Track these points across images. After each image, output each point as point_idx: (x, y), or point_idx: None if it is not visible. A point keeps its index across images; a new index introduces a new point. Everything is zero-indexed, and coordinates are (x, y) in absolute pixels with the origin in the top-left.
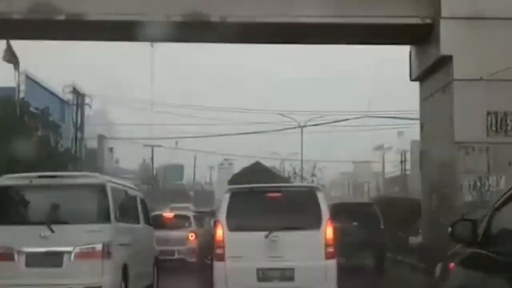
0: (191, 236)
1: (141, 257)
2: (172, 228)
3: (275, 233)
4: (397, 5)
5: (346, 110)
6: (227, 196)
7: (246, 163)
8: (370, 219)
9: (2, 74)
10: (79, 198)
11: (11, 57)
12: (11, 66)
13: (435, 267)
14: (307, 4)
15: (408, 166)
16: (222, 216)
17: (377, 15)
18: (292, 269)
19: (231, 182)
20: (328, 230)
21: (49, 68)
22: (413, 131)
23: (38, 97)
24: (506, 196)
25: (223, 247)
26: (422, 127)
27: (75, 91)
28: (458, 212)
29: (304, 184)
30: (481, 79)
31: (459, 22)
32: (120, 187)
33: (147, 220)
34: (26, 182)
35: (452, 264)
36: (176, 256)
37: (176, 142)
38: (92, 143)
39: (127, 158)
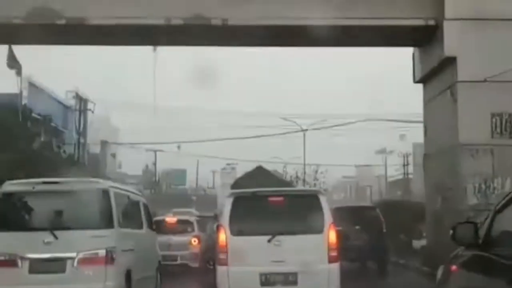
0: (194, 241)
1: (144, 262)
2: (174, 233)
3: (278, 238)
4: (400, 6)
5: (348, 113)
6: (229, 201)
7: (249, 167)
8: (373, 222)
9: (5, 80)
10: (82, 203)
11: (14, 63)
12: (14, 72)
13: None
14: (310, 6)
15: (410, 170)
16: (225, 220)
17: (380, 17)
18: (295, 274)
19: (233, 186)
20: (331, 234)
21: (52, 74)
22: (415, 134)
23: (41, 103)
24: (507, 198)
25: (226, 251)
26: (425, 129)
27: (77, 97)
28: (462, 215)
29: (307, 188)
30: (485, 80)
31: (463, 23)
32: (123, 192)
33: (150, 225)
34: (29, 188)
35: (454, 267)
36: (178, 261)
37: (179, 147)
38: (95, 149)
39: (130, 163)
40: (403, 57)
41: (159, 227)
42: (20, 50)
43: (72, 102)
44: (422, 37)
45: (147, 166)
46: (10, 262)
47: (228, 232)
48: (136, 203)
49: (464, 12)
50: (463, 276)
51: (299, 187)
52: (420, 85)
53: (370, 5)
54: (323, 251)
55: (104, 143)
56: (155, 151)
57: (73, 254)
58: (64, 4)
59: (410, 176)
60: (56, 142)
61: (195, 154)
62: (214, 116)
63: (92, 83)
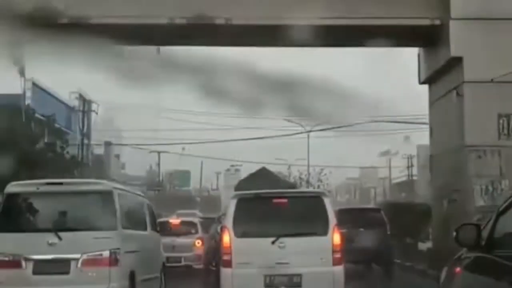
0: (198, 242)
1: (148, 264)
2: (178, 234)
3: (282, 239)
4: (406, 6)
5: (353, 115)
6: (233, 202)
7: (253, 168)
8: (377, 224)
9: (9, 81)
10: (86, 204)
11: (17, 62)
12: (17, 73)
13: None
14: (314, 6)
15: (415, 171)
16: (228, 222)
17: (384, 16)
18: (299, 275)
19: (237, 188)
20: (335, 236)
21: (56, 75)
22: (420, 136)
23: (44, 104)
24: (510, 200)
25: (230, 253)
26: (431, 130)
27: (81, 98)
28: (469, 217)
29: (311, 189)
30: (492, 81)
31: (470, 23)
32: (127, 193)
33: (154, 227)
34: (33, 189)
35: (458, 269)
36: (182, 263)
37: (183, 148)
38: (98, 150)
39: (134, 164)
40: (409, 56)
41: (163, 229)
42: (23, 50)
43: (75, 103)
44: (428, 37)
45: (151, 167)
46: (14, 263)
47: (232, 233)
48: (140, 204)
49: (470, 11)
50: (467, 278)
51: (303, 188)
52: (426, 86)
53: (375, 5)
54: (327, 253)
55: (108, 144)
56: (158, 152)
57: (77, 255)
58: (67, 3)
59: (415, 178)
60: (59, 143)
61: (199, 155)
62: (218, 117)
63: (96, 84)
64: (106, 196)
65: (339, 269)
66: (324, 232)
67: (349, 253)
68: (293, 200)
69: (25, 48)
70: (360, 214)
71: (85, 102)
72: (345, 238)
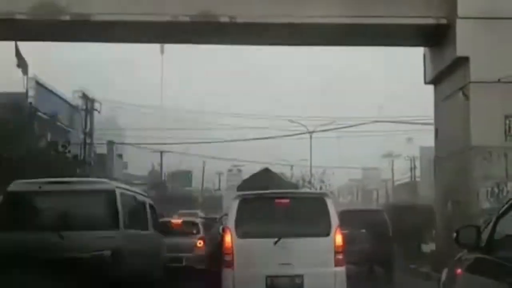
0: (199, 243)
1: (150, 263)
2: (180, 234)
3: (284, 240)
4: (411, 5)
5: (356, 116)
6: (236, 203)
7: (255, 169)
8: (379, 226)
9: (12, 79)
10: (88, 204)
11: (20, 61)
12: (20, 72)
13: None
14: (319, 4)
15: (417, 173)
16: (230, 222)
17: (390, 15)
18: (301, 276)
19: (239, 188)
20: (337, 237)
21: (59, 74)
22: (423, 138)
23: (47, 103)
24: (510, 203)
25: (231, 254)
26: (436, 131)
27: (84, 97)
28: (474, 219)
29: (313, 190)
30: (499, 81)
31: (476, 22)
32: (129, 193)
33: (156, 226)
34: (36, 188)
35: (459, 270)
36: (184, 263)
37: (187, 148)
38: (101, 149)
39: (136, 164)
40: (415, 56)
41: (164, 229)
42: (27, 49)
43: (79, 102)
44: (434, 36)
45: (153, 167)
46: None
47: (234, 234)
48: (143, 204)
49: (477, 10)
50: (468, 280)
51: (305, 189)
52: (431, 87)
53: (381, 4)
54: (329, 254)
55: (110, 144)
56: (161, 152)
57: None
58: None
59: (417, 179)
60: (62, 142)
61: (201, 155)
62: (221, 117)
63: (99, 83)
64: (108, 195)
65: (341, 270)
66: (326, 233)
67: (350, 255)
68: (296, 201)
69: (28, 46)
70: (362, 215)
71: (88, 101)
72: (346, 239)
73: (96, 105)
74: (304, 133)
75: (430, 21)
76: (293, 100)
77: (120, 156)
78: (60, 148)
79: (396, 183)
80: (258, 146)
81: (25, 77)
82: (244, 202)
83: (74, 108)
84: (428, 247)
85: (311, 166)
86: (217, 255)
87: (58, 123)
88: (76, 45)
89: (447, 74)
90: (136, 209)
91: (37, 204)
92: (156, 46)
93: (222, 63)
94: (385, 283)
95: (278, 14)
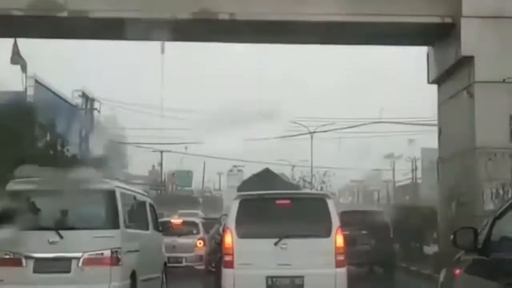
0: (199, 243)
1: (149, 263)
2: (180, 234)
3: (284, 241)
4: (415, 3)
5: (357, 117)
6: (236, 203)
7: (256, 169)
8: (380, 227)
9: (11, 78)
10: (88, 203)
11: (19, 59)
12: (20, 70)
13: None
14: (320, 2)
15: (419, 175)
16: (231, 222)
17: (393, 13)
18: (301, 277)
19: (240, 188)
20: (338, 238)
21: (59, 73)
22: (424, 139)
23: (47, 102)
24: (506, 205)
25: (232, 254)
26: (440, 132)
27: (84, 96)
28: (478, 221)
29: (314, 191)
30: (504, 81)
31: (481, 21)
32: (129, 192)
33: (156, 226)
34: (35, 186)
35: (457, 271)
36: (184, 263)
37: (186, 147)
38: (100, 148)
39: (136, 163)
40: (418, 55)
41: (164, 229)
42: (26, 47)
43: (78, 101)
44: (438, 35)
45: (153, 166)
46: (15, 261)
47: (234, 234)
48: (143, 204)
49: (482, 9)
50: (466, 280)
51: (306, 190)
52: (433, 87)
53: (383, 2)
54: (330, 255)
55: (110, 143)
56: (161, 152)
57: (78, 254)
58: None
59: (419, 181)
60: (61, 141)
61: (202, 155)
62: (221, 116)
63: (100, 82)
64: (108, 195)
65: (342, 271)
66: (327, 234)
67: (351, 256)
68: (297, 202)
69: (25, 43)
70: (363, 216)
71: (88, 100)
72: (347, 241)
73: (96, 105)
74: (305, 134)
75: (435, 19)
76: (294, 101)
77: (120, 155)
78: (59, 148)
79: (397, 184)
80: (259, 147)
81: (24, 75)
82: (244, 203)
83: (73, 107)
84: (430, 249)
85: (312, 167)
86: (215, 255)
87: (57, 122)
88: (76, 43)
89: (451, 73)
90: (136, 209)
91: (36, 203)
92: (156, 46)
93: (222, 62)
94: (386, 284)
95: (278, 12)
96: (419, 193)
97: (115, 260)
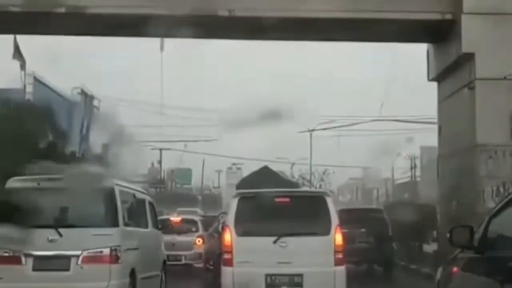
0: (198, 241)
1: (149, 261)
2: (179, 232)
3: (283, 239)
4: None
5: (356, 115)
6: (235, 201)
7: (255, 167)
8: (379, 225)
9: (10, 75)
10: (87, 201)
11: (18, 56)
12: (18, 67)
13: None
14: None
15: (418, 172)
16: (230, 221)
17: (393, 10)
18: (300, 275)
19: (239, 186)
20: (337, 236)
21: (58, 70)
22: (423, 137)
23: (46, 99)
24: (501, 204)
25: (231, 252)
26: (440, 129)
27: (83, 93)
28: (479, 219)
29: (313, 189)
30: (505, 78)
31: (482, 18)
32: (128, 190)
33: (156, 224)
34: (34, 184)
35: (455, 268)
36: (183, 261)
37: (185, 145)
38: (99, 146)
39: (136, 160)
40: (418, 53)
41: (163, 227)
42: (25, 44)
43: (78, 98)
44: (438, 32)
45: (152, 164)
46: (14, 258)
47: (233, 232)
48: (142, 202)
49: (483, 6)
50: (463, 278)
51: (305, 188)
52: (432, 85)
53: None
54: (329, 253)
55: (109, 140)
56: (160, 150)
57: (78, 252)
58: None
59: (418, 179)
60: (59, 139)
61: (201, 153)
62: (220, 114)
63: (99, 80)
64: (107, 192)
65: (341, 269)
66: (326, 232)
67: (350, 254)
68: (296, 200)
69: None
70: (361, 214)
71: (87, 97)
72: (346, 239)
73: (95, 102)
74: (304, 132)
75: (435, 16)
76: (293, 98)
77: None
78: (58, 145)
79: (396, 182)
80: (258, 144)
81: (23, 73)
82: (243, 200)
83: (73, 104)
84: (430, 248)
85: (311, 165)
86: (214, 253)
87: (56, 119)
88: (75, 40)
89: (451, 71)
90: (135, 207)
91: (35, 200)
92: (156, 42)
93: (222, 61)
94: (385, 282)
95: (278, 8)
96: (418, 191)
97: (114, 258)
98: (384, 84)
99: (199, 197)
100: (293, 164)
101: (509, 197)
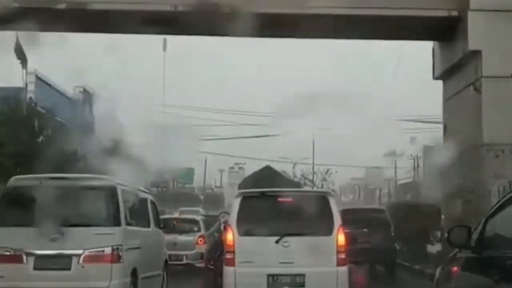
0: (200, 240)
1: (151, 261)
2: (180, 232)
3: (286, 239)
4: None
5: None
6: (237, 200)
7: (257, 166)
8: (381, 225)
9: (13, 74)
10: (89, 200)
11: (20, 55)
12: (20, 66)
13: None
14: None
15: (420, 172)
16: (232, 220)
17: (398, 6)
18: (302, 275)
19: (241, 186)
20: (340, 237)
21: (60, 69)
22: (426, 137)
23: (47, 97)
24: (498, 204)
25: (233, 252)
26: (445, 128)
27: (85, 92)
28: None
29: (316, 189)
30: (511, 76)
31: (489, 15)
32: (130, 189)
33: (157, 224)
34: (36, 183)
35: (455, 268)
36: (184, 261)
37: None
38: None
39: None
40: (422, 51)
41: (165, 226)
42: (28, 44)
43: (79, 96)
44: (444, 29)
45: None
46: (15, 257)
47: (236, 232)
48: (144, 201)
49: (490, 3)
50: (463, 277)
51: (307, 188)
52: (435, 84)
53: None
54: (331, 253)
55: (111, 139)
56: None
57: (79, 251)
58: None
59: (421, 179)
60: (61, 137)
61: (204, 152)
62: (223, 114)
63: (101, 78)
64: (109, 191)
65: (344, 269)
66: (329, 232)
67: (352, 254)
68: (298, 199)
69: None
70: (364, 214)
71: (89, 96)
72: (348, 239)
73: (97, 100)
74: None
75: (441, 13)
76: (295, 97)
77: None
78: (60, 144)
79: (399, 182)
80: (260, 144)
81: (25, 71)
82: (246, 200)
83: (74, 102)
84: (434, 248)
85: (313, 164)
86: (214, 252)
87: (57, 118)
88: (78, 38)
89: (457, 69)
90: (137, 206)
91: (37, 199)
92: (159, 43)
93: (224, 60)
94: (387, 282)
95: (282, 4)
96: (421, 191)
97: (116, 257)
98: (388, 83)
99: (201, 197)
100: (295, 163)
101: (505, 197)
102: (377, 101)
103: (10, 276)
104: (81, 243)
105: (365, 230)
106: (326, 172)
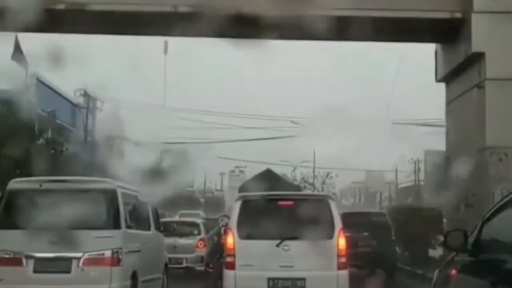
0: (200, 244)
1: (151, 264)
2: (180, 235)
3: (286, 242)
4: None
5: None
6: (238, 204)
7: (257, 170)
8: (382, 229)
9: (12, 76)
10: (89, 203)
11: (20, 57)
12: (21, 68)
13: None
14: None
15: (421, 176)
16: (232, 224)
17: (400, 8)
18: (303, 279)
19: (241, 189)
20: (340, 240)
21: (61, 71)
22: (427, 140)
23: (48, 100)
24: (494, 208)
25: (233, 255)
26: (447, 131)
27: (86, 95)
28: None
29: (316, 192)
30: None
31: (493, 17)
32: (130, 192)
33: (158, 227)
34: (36, 186)
35: (453, 271)
36: (184, 264)
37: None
38: (102, 147)
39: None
40: (425, 54)
41: (165, 229)
42: (27, 43)
43: (80, 100)
44: (447, 31)
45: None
46: (15, 260)
47: (236, 235)
48: (144, 204)
49: (493, 4)
50: (459, 280)
51: (307, 191)
52: (437, 87)
53: None
54: (332, 257)
55: (112, 142)
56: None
57: (79, 254)
58: None
59: (421, 183)
60: (62, 140)
61: (204, 155)
62: (223, 117)
63: (102, 81)
64: (109, 194)
65: (344, 273)
66: (330, 236)
67: (352, 258)
68: (299, 203)
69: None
70: (364, 218)
71: (90, 99)
72: (348, 242)
73: (98, 103)
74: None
75: (444, 15)
76: (296, 100)
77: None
78: (59, 146)
79: (400, 186)
80: (261, 147)
81: (25, 73)
82: (246, 204)
83: (75, 106)
84: (436, 252)
85: (314, 168)
86: (214, 256)
87: (58, 121)
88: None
89: (460, 71)
90: (137, 209)
91: (37, 202)
92: (160, 45)
93: (225, 62)
94: (388, 286)
95: (284, 7)
96: (421, 194)
97: (116, 260)
98: (390, 85)
99: (202, 200)
100: (295, 167)
101: (501, 202)
102: (379, 102)
103: (10, 279)
104: (81, 246)
105: (366, 233)
106: (327, 176)
